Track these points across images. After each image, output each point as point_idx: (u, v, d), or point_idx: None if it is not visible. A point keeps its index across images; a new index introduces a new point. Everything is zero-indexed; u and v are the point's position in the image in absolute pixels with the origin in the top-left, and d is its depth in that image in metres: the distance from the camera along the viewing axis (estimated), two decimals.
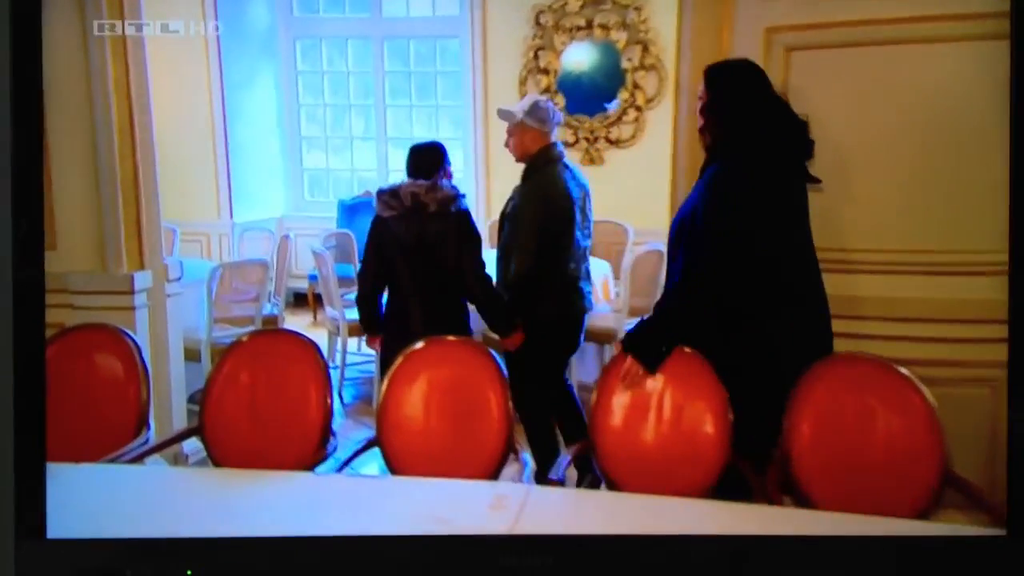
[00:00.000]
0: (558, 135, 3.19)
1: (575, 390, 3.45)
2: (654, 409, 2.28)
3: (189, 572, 1.64)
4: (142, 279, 3.17)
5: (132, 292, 3.12)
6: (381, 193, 3.00)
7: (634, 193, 5.91)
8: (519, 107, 3.15)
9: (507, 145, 3.19)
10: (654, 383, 2.29)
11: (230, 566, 1.66)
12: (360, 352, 5.17)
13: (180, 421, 3.40)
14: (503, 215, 3.18)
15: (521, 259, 3.00)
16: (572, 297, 3.16)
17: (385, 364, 2.63)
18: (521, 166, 3.17)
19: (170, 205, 3.40)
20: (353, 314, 4.55)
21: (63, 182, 3.04)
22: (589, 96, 6.06)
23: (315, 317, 6.35)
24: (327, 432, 2.37)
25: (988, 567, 1.66)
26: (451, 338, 2.49)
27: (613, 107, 6.04)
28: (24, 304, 1.75)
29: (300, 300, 6.73)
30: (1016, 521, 1.69)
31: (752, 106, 2.20)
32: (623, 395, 2.30)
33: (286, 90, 6.93)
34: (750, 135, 2.19)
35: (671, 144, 2.82)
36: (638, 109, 6.00)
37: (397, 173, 6.89)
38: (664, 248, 4.03)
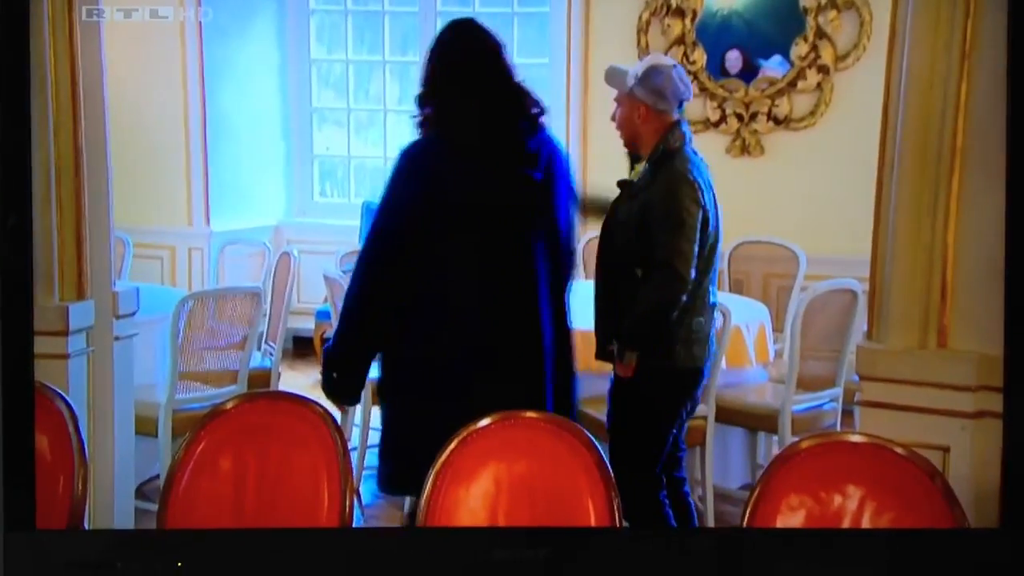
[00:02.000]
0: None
1: (691, 496, 3.52)
2: None
3: (179, 564, 2.07)
4: (81, 314, 3.25)
5: (66, 333, 3.19)
6: None
7: (811, 200, 5.82)
8: (633, 71, 3.33)
9: (614, 119, 3.40)
10: (842, 499, 2.25)
11: (220, 559, 2.13)
12: None
13: (125, 525, 3.46)
14: (613, 221, 3.38)
15: (675, 274, 3.18)
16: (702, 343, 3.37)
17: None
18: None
19: (118, 204, 3.49)
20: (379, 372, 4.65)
21: None
22: (746, 50, 6.07)
23: None
24: None
25: (982, 561, 2.10)
26: (530, 414, 2.51)
27: (783, 67, 6.02)
28: (12, 297, 2.36)
29: (302, 346, 6.84)
30: (1010, 515, 2.19)
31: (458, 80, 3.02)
32: (795, 513, 2.26)
33: (292, 40, 7.13)
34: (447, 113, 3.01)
35: (879, 125, 2.77)
36: (823, 71, 5.95)
37: None
38: (859, 287, 4.03)
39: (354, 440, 4.65)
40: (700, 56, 6.07)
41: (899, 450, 2.26)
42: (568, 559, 2.12)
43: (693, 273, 3.21)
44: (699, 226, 3.20)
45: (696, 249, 3.21)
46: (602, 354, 3.37)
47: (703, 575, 2.12)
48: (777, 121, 6.03)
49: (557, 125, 6.46)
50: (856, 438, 2.33)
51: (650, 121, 3.29)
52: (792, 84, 5.99)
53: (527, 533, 2.27)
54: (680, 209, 3.19)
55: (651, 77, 3.28)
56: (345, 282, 4.64)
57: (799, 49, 5.95)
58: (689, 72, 5.06)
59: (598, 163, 6.15)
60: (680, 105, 3.32)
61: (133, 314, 3.51)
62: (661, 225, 3.20)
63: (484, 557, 2.12)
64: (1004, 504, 2.25)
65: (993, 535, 2.20)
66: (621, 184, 3.36)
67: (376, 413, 4.83)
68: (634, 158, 3.37)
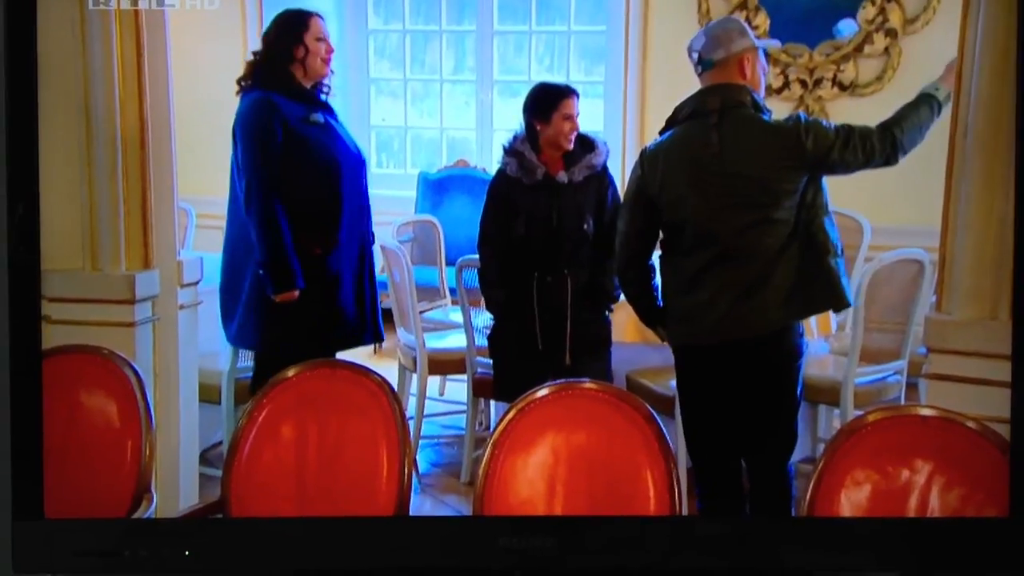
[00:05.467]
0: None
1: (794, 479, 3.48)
2: (914, 509, 2.21)
3: (187, 554, 2.14)
4: (147, 283, 3.29)
5: (133, 301, 3.24)
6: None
7: (876, 169, 5.69)
8: None
9: None
10: (909, 473, 2.22)
11: (228, 548, 2.19)
12: (445, 398, 5.22)
13: (190, 491, 3.52)
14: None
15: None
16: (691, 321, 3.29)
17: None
18: None
19: (182, 176, 3.53)
20: (435, 342, 4.67)
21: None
22: (809, 15, 5.94)
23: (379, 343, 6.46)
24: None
25: (990, 550, 2.14)
26: (588, 385, 2.50)
27: (848, 32, 5.91)
28: (20, 288, 2.39)
29: None
30: (1019, 504, 2.17)
31: None
32: (861, 487, 2.23)
33: (350, 11, 7.12)
34: None
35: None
36: (891, 35, 5.83)
37: (501, 133, 6.97)
38: (926, 257, 3.96)
39: (411, 409, 4.66)
40: (763, 21, 5.96)
41: (970, 424, 2.22)
42: (573, 548, 2.17)
43: (654, 249, 3.26)
44: (632, 200, 3.25)
45: (633, 226, 3.24)
46: None
47: (708, 566, 2.17)
48: (842, 87, 5.91)
49: (615, 93, 6.46)
50: (925, 411, 2.30)
51: None
52: (858, 49, 5.86)
53: (532, 522, 2.31)
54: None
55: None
56: (402, 255, 4.70)
57: (866, 12, 5.82)
58: None
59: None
60: (699, 67, 3.24)
61: (197, 283, 3.56)
62: None
63: (491, 545, 2.17)
64: (1013, 494, 2.21)
65: (1001, 525, 2.18)
66: None
67: (433, 383, 4.88)
68: None
